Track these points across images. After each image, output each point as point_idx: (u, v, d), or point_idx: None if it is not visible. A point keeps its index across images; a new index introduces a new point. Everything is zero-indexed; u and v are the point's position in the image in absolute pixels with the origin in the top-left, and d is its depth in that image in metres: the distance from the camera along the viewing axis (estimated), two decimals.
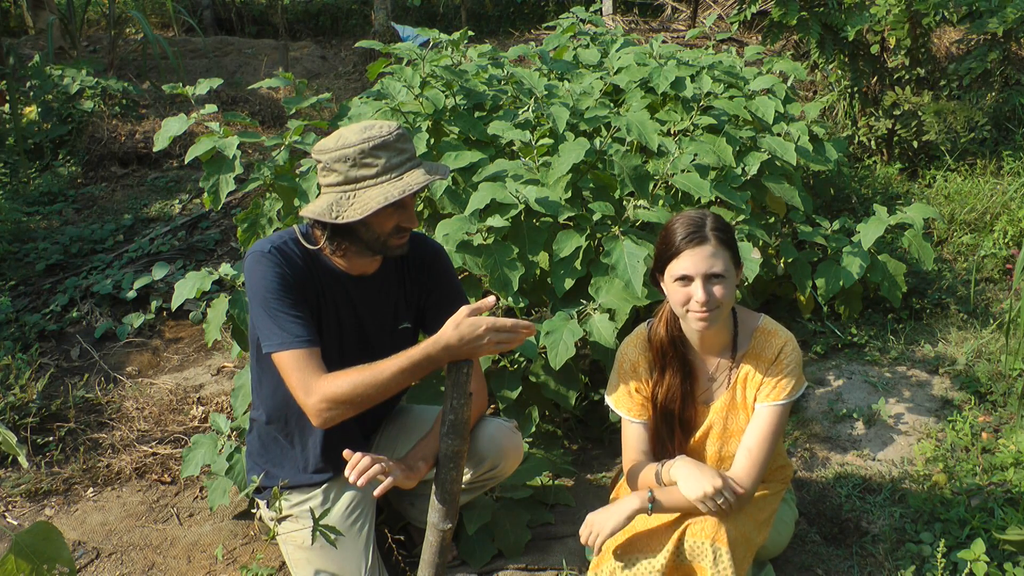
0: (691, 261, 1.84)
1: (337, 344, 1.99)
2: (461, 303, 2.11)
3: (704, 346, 2.01)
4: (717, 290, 1.85)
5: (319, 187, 1.94)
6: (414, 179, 1.84)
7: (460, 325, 1.73)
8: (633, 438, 2.05)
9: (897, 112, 4.78)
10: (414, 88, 2.87)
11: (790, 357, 1.95)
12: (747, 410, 2.00)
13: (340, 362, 1.88)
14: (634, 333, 2.10)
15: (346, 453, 1.79)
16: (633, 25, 7.90)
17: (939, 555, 2.16)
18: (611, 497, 2.19)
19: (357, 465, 1.77)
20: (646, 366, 2.04)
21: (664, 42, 3.62)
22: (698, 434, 2.05)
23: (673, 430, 2.03)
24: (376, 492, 1.80)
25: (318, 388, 1.81)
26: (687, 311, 1.89)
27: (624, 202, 2.64)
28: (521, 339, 1.75)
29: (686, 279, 1.85)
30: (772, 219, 3.36)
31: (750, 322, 2.02)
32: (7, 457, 2.86)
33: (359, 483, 1.75)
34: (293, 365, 1.84)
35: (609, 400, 2.09)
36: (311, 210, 1.88)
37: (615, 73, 3.31)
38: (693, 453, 2.07)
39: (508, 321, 1.73)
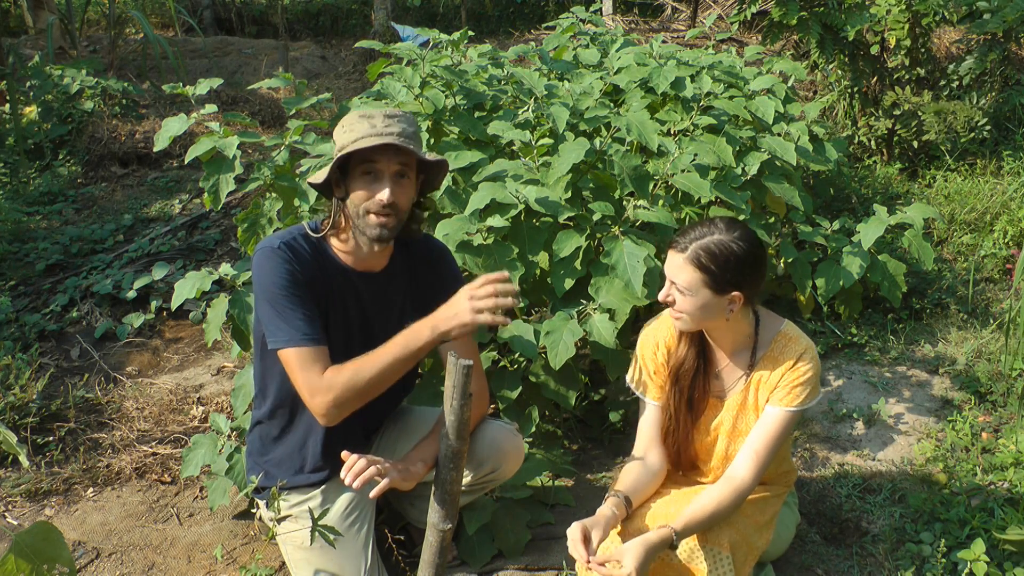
0: (668, 261, 1.92)
1: (343, 341, 1.99)
2: None
3: (717, 342, 2.03)
4: (679, 298, 1.90)
5: None
6: (381, 140, 1.83)
7: (447, 303, 1.79)
8: (646, 418, 2.08)
9: (897, 112, 4.79)
10: (414, 88, 2.87)
11: (808, 365, 1.95)
12: (757, 412, 2.00)
13: (346, 359, 1.88)
14: (660, 316, 2.11)
15: (344, 455, 1.79)
16: (633, 25, 7.91)
17: (939, 555, 2.16)
18: None
19: (353, 467, 1.77)
20: (666, 350, 2.06)
21: (664, 42, 3.62)
22: (710, 430, 2.06)
23: (680, 405, 2.04)
24: (372, 493, 1.80)
25: (322, 386, 1.82)
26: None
27: (624, 202, 2.64)
28: (499, 296, 1.75)
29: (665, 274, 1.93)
30: (772, 219, 3.35)
31: (772, 326, 2.02)
32: (7, 457, 2.86)
33: (355, 485, 1.76)
34: (299, 363, 1.85)
35: (628, 379, 2.13)
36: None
37: (615, 73, 3.31)
38: (702, 449, 2.08)
39: (478, 279, 1.78)
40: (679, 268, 1.88)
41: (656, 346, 2.07)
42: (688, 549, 1.86)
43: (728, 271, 1.86)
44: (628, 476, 2.00)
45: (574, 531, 1.78)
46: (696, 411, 2.06)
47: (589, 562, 1.74)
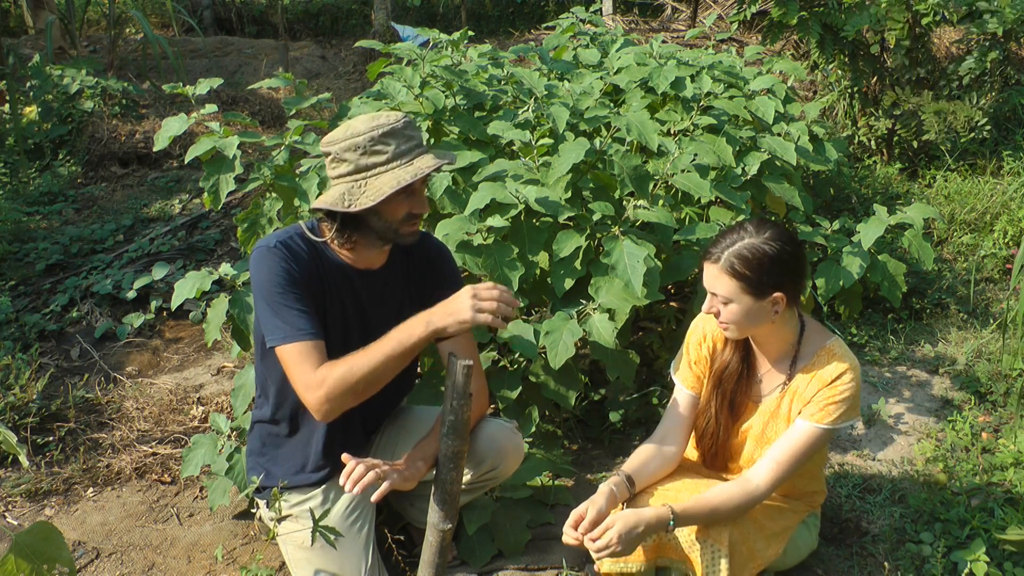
0: (704, 273, 1.90)
1: (342, 339, 1.99)
2: None
3: (762, 347, 2.03)
4: (723, 309, 1.89)
5: (328, 181, 1.95)
6: (425, 163, 1.85)
7: (446, 300, 1.78)
8: (674, 404, 2.10)
9: (897, 112, 4.78)
10: (414, 88, 2.87)
11: (847, 386, 1.91)
12: (788, 421, 1.99)
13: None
14: None
15: (344, 457, 1.79)
16: (633, 25, 7.90)
17: (939, 555, 2.16)
18: None
19: (352, 473, 1.77)
20: (712, 343, 2.06)
21: (664, 42, 3.62)
22: (739, 432, 2.06)
23: (721, 406, 2.04)
24: (374, 497, 1.80)
25: (315, 381, 1.82)
26: None
27: (624, 202, 2.64)
28: (502, 302, 1.74)
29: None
30: (772, 219, 3.35)
31: (818, 339, 1.99)
32: (7, 457, 2.86)
33: (355, 491, 1.76)
34: (295, 358, 1.84)
35: (672, 364, 2.15)
36: (323, 201, 1.88)
37: (615, 73, 3.31)
38: (733, 450, 2.08)
39: (485, 283, 1.77)
40: (716, 279, 1.87)
41: (703, 336, 2.07)
42: (688, 541, 1.85)
43: (764, 273, 1.84)
44: (637, 457, 2.01)
45: (569, 518, 1.80)
46: (736, 414, 2.06)
47: (582, 538, 1.76)
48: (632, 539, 1.75)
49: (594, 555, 1.82)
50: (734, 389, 2.03)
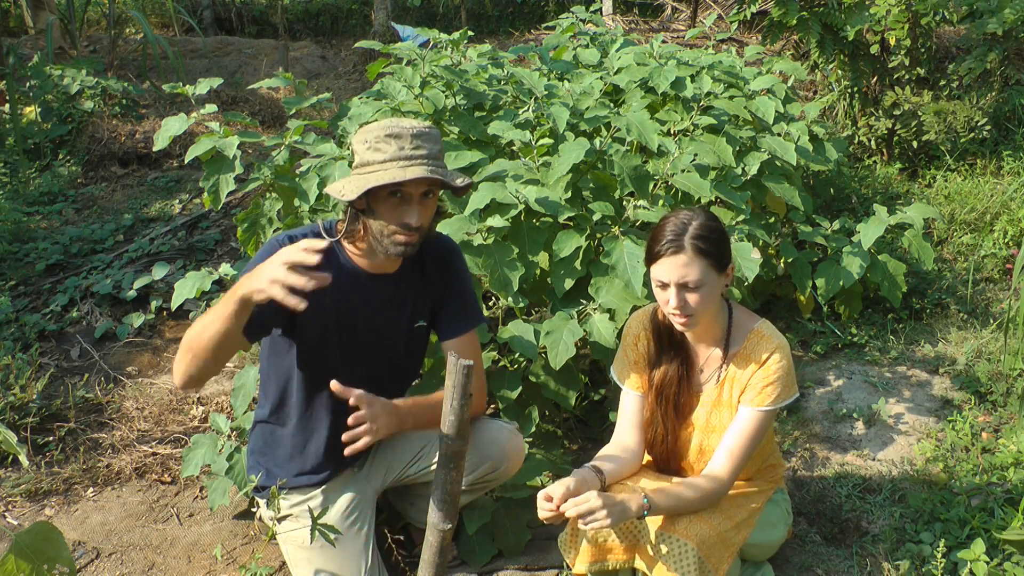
0: (666, 268, 1.88)
1: (349, 342, 1.99)
2: (471, 304, 2.12)
3: (699, 336, 2.05)
4: (692, 298, 1.88)
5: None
6: (414, 172, 1.81)
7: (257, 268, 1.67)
8: (624, 407, 2.10)
9: (897, 112, 4.78)
10: (414, 88, 2.87)
11: (779, 364, 1.96)
12: (732, 409, 2.01)
13: (353, 360, 1.88)
14: (644, 308, 2.14)
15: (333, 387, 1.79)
16: (633, 25, 7.91)
17: (939, 555, 2.16)
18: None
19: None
20: (646, 343, 2.09)
21: (664, 42, 3.62)
22: (687, 426, 2.07)
23: (667, 413, 2.05)
24: (346, 451, 1.82)
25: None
26: (668, 312, 1.94)
27: (624, 202, 2.64)
28: (296, 271, 1.59)
29: (663, 284, 1.90)
30: (772, 219, 3.35)
31: (746, 323, 2.03)
32: (7, 457, 2.86)
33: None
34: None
35: (612, 369, 2.15)
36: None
37: (615, 73, 3.31)
38: (681, 444, 2.09)
39: (295, 247, 1.62)
40: (686, 266, 1.86)
41: (637, 337, 2.10)
42: (655, 538, 1.86)
43: (721, 246, 1.91)
44: (602, 455, 2.03)
45: (540, 497, 1.79)
46: (682, 414, 2.07)
47: (558, 508, 1.75)
48: (612, 505, 1.74)
49: (575, 518, 1.77)
50: (676, 393, 2.05)
